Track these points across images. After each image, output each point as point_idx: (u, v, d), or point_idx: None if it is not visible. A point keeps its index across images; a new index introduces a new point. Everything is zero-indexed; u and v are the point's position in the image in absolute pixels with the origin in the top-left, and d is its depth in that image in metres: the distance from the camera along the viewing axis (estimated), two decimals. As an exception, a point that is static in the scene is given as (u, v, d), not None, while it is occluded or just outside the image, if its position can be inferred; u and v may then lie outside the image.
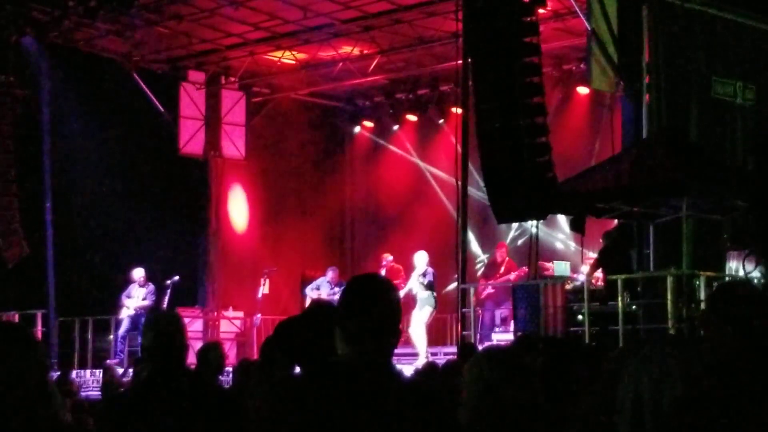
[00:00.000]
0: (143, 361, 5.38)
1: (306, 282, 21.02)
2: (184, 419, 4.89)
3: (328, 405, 3.43)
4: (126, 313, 19.32)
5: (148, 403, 4.94)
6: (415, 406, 3.48)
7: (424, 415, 3.47)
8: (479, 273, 21.22)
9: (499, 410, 4.13)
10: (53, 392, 4.51)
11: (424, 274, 18.42)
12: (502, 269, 19.62)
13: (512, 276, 19.03)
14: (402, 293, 19.59)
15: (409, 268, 19.41)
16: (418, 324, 18.30)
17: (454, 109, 20.35)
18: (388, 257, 21.37)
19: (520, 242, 21.55)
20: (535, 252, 17.22)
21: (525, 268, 18.44)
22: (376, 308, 3.59)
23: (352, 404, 3.42)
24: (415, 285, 18.53)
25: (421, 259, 18.84)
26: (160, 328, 5.21)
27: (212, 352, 9.30)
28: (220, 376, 9.99)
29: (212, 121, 23.39)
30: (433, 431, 3.48)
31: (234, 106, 23.73)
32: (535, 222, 17.09)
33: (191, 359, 9.34)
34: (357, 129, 25.50)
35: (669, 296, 13.81)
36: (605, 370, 4.48)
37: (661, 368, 3.93)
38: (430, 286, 18.41)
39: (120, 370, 16.62)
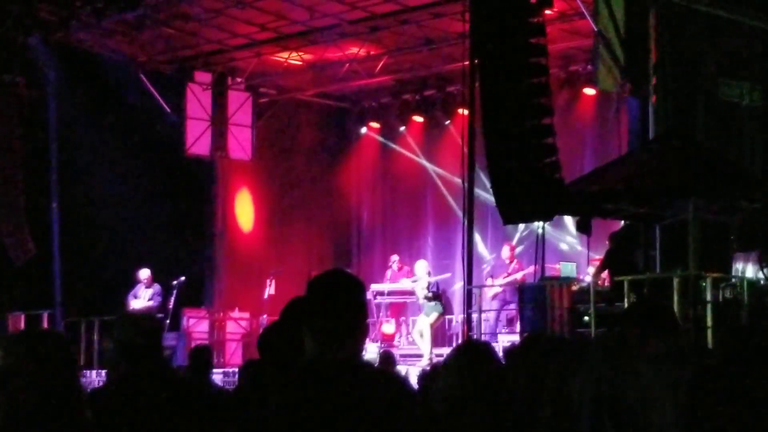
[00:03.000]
0: (118, 357, 5.34)
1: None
2: (171, 416, 4.86)
3: (300, 406, 3.39)
4: (132, 313, 19.36)
5: (133, 399, 4.91)
6: (386, 401, 3.44)
7: (396, 410, 3.42)
8: (486, 273, 21.21)
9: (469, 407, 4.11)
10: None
11: (428, 287, 18.46)
12: (510, 269, 19.65)
13: (518, 276, 19.05)
14: (403, 283, 19.71)
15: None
16: (424, 326, 18.34)
17: (460, 110, 20.35)
18: (395, 258, 21.43)
19: (526, 243, 21.52)
20: (541, 253, 17.20)
21: (532, 267, 18.47)
22: (343, 305, 3.55)
23: (324, 404, 3.37)
24: (420, 297, 18.60)
25: (421, 269, 18.90)
26: (141, 326, 5.20)
27: (203, 353, 9.57)
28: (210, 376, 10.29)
29: (219, 122, 23.39)
30: (407, 426, 3.43)
31: (240, 106, 23.72)
32: (541, 223, 17.07)
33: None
34: (363, 130, 25.48)
35: (675, 298, 13.79)
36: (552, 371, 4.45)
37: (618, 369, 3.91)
38: (436, 297, 18.47)
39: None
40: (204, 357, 9.70)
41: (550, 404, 4.14)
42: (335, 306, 3.53)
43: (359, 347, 3.57)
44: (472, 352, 4.47)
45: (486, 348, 4.65)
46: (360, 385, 3.43)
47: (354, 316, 3.55)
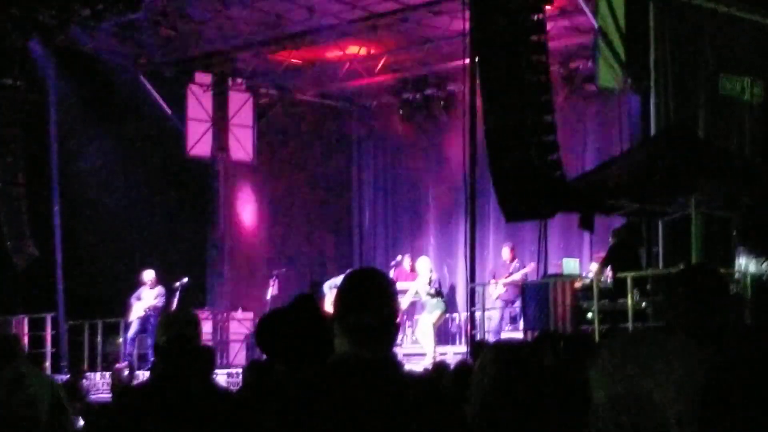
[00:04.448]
0: (156, 359, 5.34)
1: (315, 283, 21.00)
2: (193, 420, 4.85)
3: (331, 404, 3.38)
4: (135, 315, 19.33)
5: (158, 403, 4.91)
6: (420, 402, 3.43)
7: (429, 412, 3.42)
8: (488, 271, 21.18)
9: (506, 407, 4.09)
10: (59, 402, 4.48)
11: (429, 283, 18.41)
12: (511, 269, 19.61)
13: (518, 276, 19.00)
14: (405, 299, 19.61)
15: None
16: (426, 325, 18.31)
17: (461, 109, 20.31)
18: (399, 258, 21.39)
19: (527, 240, 21.46)
20: (543, 250, 17.18)
21: (533, 264, 18.44)
22: (376, 303, 3.53)
23: (356, 402, 3.37)
24: (423, 294, 18.52)
25: (423, 266, 18.82)
26: (177, 329, 5.17)
27: (205, 354, 9.57)
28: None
29: (220, 123, 23.39)
30: (439, 428, 3.42)
31: (241, 107, 23.71)
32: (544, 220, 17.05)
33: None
34: (364, 129, 25.46)
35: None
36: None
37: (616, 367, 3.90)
38: (438, 293, 18.42)
39: (128, 373, 16.61)
40: (205, 359, 9.70)
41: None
42: (371, 303, 3.52)
43: (392, 346, 3.57)
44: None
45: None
46: (395, 385, 3.42)
47: (388, 314, 3.54)
